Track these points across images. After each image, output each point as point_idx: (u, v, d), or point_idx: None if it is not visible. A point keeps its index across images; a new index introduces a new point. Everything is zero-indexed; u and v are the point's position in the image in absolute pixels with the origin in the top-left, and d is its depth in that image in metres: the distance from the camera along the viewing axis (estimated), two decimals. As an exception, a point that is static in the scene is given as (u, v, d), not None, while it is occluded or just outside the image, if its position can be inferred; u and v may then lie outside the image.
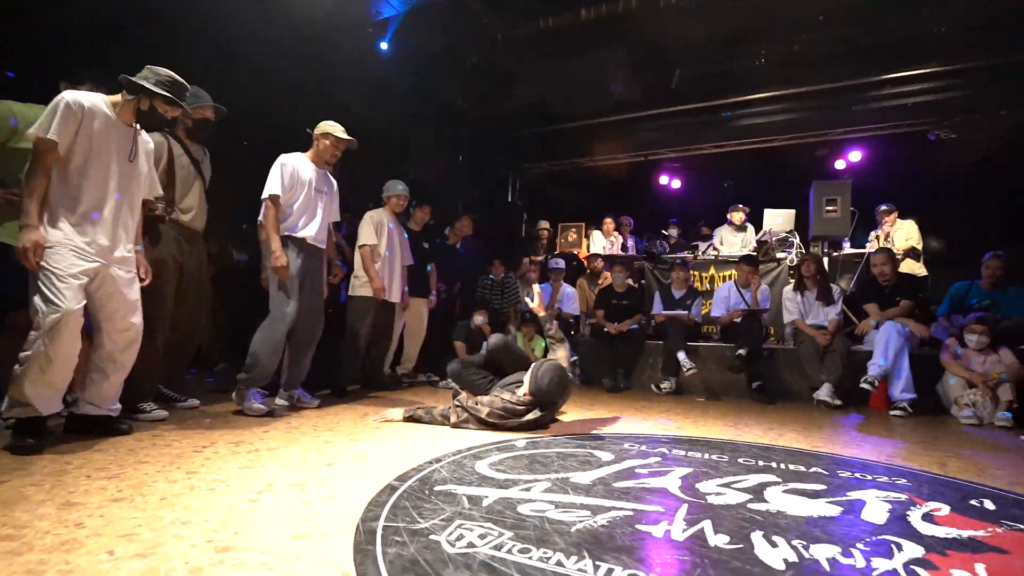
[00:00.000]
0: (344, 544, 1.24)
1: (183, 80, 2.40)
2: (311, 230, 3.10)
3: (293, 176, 3.02)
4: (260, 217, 3.03)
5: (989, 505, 1.73)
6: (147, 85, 2.27)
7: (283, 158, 3.04)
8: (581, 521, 1.43)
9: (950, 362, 3.81)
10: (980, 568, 1.24)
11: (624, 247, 7.31)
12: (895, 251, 5.12)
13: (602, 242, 7.32)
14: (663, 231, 7.43)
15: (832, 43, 5.05)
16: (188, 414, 2.85)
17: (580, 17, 4.65)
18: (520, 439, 2.47)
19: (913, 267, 5.50)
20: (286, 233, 3.02)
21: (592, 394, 4.48)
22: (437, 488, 1.68)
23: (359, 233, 3.99)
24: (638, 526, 1.41)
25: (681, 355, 4.54)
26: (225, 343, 4.78)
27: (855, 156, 7.03)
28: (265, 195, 2.97)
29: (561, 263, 5.87)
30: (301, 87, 4.81)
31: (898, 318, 4.05)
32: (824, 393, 4.00)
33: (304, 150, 3.18)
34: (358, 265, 3.99)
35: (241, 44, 4.33)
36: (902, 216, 5.87)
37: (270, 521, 1.37)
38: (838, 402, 3.96)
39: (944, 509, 1.66)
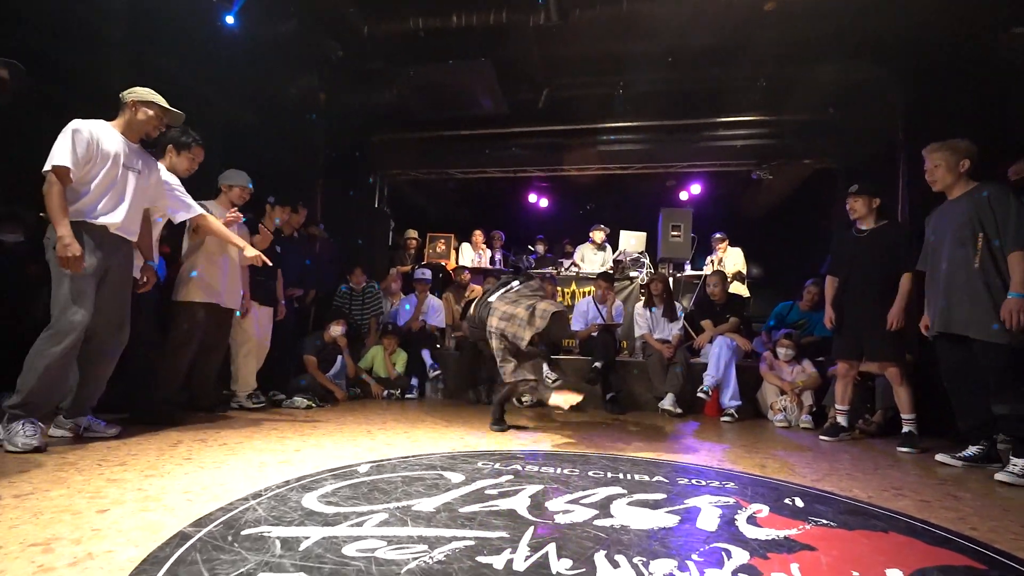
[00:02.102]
0: (83, 627, 0.92)
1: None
2: (116, 216, 2.50)
3: (91, 146, 2.42)
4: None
5: (799, 503, 1.89)
6: None
7: (77, 123, 2.41)
8: (416, 558, 1.25)
9: (766, 372, 4.33)
10: (795, 568, 1.30)
11: (492, 260, 7.34)
12: (726, 274, 5.78)
13: (471, 255, 7.28)
14: (529, 246, 7.61)
15: (677, 84, 5.60)
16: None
17: (451, 23, 4.57)
18: (364, 464, 2.22)
19: (739, 289, 6.27)
20: (79, 219, 2.40)
21: (454, 408, 4.35)
22: (245, 532, 1.39)
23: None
24: (479, 558, 1.28)
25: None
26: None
27: (696, 188, 7.91)
28: (48, 167, 2.33)
29: (427, 274, 5.68)
30: (116, 47, 3.93)
31: (727, 333, 4.53)
32: (667, 403, 4.31)
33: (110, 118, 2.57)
34: (183, 267, 3.40)
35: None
36: (732, 244, 6.70)
37: (-29, 605, 0.99)
38: (679, 410, 4.28)
39: (765, 510, 1.77)
